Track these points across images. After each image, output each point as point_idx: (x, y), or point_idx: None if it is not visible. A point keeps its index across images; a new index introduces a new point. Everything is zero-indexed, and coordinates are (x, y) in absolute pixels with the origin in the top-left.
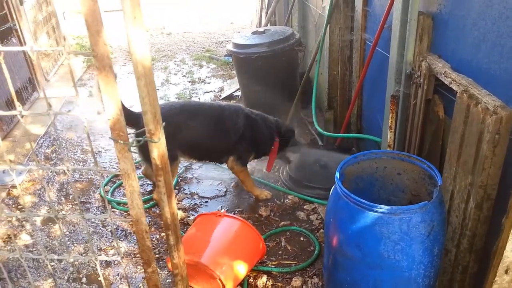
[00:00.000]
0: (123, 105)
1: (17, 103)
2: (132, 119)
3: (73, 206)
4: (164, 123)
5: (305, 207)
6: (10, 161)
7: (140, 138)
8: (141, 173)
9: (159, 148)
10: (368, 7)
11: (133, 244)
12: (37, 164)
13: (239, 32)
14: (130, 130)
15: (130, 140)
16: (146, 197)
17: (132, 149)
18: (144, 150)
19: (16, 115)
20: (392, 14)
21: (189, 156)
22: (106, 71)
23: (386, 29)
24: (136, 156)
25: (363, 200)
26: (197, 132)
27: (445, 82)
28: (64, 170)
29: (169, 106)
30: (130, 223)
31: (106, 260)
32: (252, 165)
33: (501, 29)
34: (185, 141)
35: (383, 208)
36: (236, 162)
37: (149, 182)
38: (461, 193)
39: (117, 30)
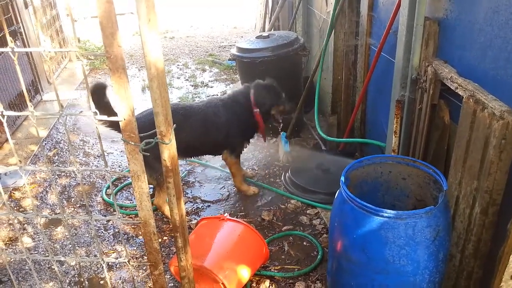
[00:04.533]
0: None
1: (29, 104)
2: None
3: (75, 209)
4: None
5: (308, 211)
6: (20, 161)
7: (151, 140)
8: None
9: (170, 150)
10: (373, 12)
11: (135, 248)
12: (46, 165)
13: (242, 36)
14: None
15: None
16: None
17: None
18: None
19: (19, 116)
20: (398, 19)
21: (184, 156)
22: (119, 72)
23: (391, 34)
24: None
25: (368, 205)
26: (191, 133)
27: (451, 87)
28: (66, 173)
29: None
30: (133, 226)
31: (108, 264)
32: (254, 168)
33: (507, 35)
34: (181, 142)
35: (389, 212)
36: (230, 155)
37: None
38: (467, 198)
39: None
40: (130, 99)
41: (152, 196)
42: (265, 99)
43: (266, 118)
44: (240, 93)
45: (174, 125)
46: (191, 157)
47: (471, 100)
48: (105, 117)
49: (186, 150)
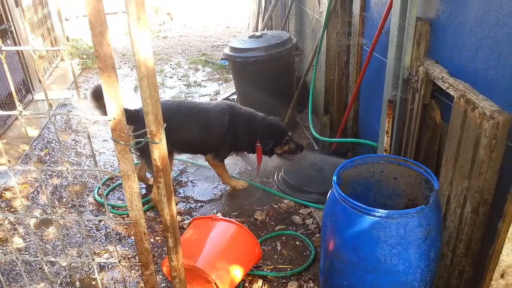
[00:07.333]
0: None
1: (17, 103)
2: (131, 116)
3: (67, 209)
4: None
5: (300, 211)
6: (9, 161)
7: (141, 139)
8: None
9: (160, 150)
10: (365, 13)
11: (127, 248)
12: (36, 165)
13: (235, 36)
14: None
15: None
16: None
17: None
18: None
19: (10, 116)
20: (389, 20)
21: (177, 150)
22: (108, 71)
23: (383, 34)
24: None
25: (360, 204)
26: (189, 130)
27: (442, 87)
28: (58, 173)
29: (166, 104)
30: (125, 226)
31: (100, 264)
32: (246, 168)
33: (498, 36)
34: (178, 137)
35: (381, 212)
36: (214, 158)
37: (144, 185)
38: (458, 197)
39: (111, 31)
40: (120, 98)
41: (144, 196)
42: (270, 138)
43: (269, 154)
44: (252, 118)
45: (165, 124)
46: (180, 153)
47: (462, 100)
48: (94, 117)
49: (179, 143)
